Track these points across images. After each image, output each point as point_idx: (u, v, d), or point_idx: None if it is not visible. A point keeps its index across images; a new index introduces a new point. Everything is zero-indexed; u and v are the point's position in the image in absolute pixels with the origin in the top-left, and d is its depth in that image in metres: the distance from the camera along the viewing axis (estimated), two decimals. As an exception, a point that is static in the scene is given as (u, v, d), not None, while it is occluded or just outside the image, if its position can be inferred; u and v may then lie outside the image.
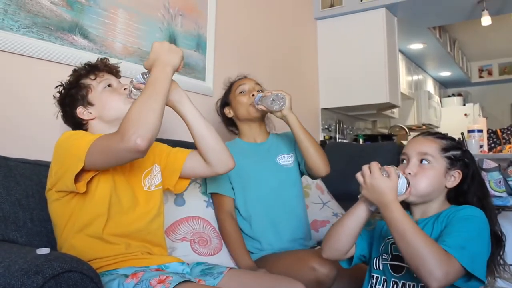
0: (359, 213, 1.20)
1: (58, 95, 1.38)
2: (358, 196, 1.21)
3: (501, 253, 1.20)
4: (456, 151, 1.24)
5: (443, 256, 1.03)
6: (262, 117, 1.88)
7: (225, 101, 1.94)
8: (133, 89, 1.33)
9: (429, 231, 1.17)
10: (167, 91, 1.19)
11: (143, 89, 1.19)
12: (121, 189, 1.29)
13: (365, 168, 1.16)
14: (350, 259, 1.32)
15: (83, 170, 1.16)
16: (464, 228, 1.11)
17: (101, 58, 1.41)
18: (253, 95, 1.82)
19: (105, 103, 1.34)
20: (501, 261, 1.20)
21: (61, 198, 1.23)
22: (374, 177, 1.13)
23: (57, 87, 1.38)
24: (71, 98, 1.34)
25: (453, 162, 1.22)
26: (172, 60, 1.23)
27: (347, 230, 1.22)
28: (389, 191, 1.12)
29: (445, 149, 1.23)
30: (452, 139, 1.28)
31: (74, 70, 1.38)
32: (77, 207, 1.23)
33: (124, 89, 1.37)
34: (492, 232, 1.16)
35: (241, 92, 1.86)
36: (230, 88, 1.94)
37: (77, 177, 1.17)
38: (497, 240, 1.20)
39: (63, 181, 1.19)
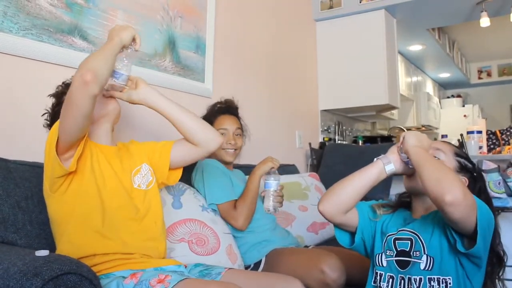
0: (372, 172, 1.25)
1: (52, 100, 1.41)
2: (375, 158, 1.26)
3: (501, 272, 1.22)
4: (468, 162, 1.28)
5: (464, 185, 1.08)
6: (233, 160, 1.94)
7: None
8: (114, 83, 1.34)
9: (433, 222, 1.19)
10: (112, 51, 1.23)
11: None
12: (111, 185, 1.31)
13: None
14: (351, 237, 1.33)
15: (66, 150, 1.20)
16: None
17: None
18: (230, 143, 1.87)
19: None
20: (502, 276, 1.22)
21: (54, 194, 1.25)
22: (424, 135, 1.24)
23: (50, 95, 1.41)
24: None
25: (462, 168, 1.26)
26: (120, 34, 1.26)
27: (354, 185, 1.25)
28: (428, 145, 1.23)
29: (458, 154, 1.28)
30: (467, 155, 1.33)
31: (66, 85, 1.39)
32: (71, 203, 1.25)
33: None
34: (495, 252, 1.18)
35: (221, 134, 1.87)
36: (212, 119, 1.93)
37: (64, 159, 1.21)
38: (499, 260, 1.21)
39: (54, 168, 1.21)
